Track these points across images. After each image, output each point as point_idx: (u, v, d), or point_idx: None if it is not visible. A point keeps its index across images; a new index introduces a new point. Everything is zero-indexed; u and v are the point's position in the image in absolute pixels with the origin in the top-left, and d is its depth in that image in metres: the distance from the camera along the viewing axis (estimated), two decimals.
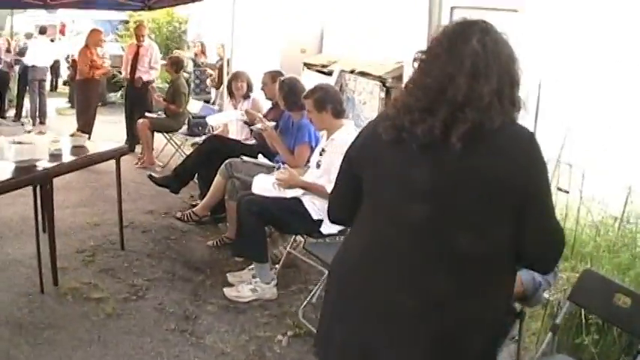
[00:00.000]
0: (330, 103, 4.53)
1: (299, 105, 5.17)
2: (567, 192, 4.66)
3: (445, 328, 1.91)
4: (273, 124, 5.65)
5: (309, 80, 8.92)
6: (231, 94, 7.27)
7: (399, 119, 1.95)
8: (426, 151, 1.89)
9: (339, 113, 4.59)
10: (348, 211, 2.17)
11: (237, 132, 6.80)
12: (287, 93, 5.41)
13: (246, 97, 7.08)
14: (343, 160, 2.22)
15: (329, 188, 4.24)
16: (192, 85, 11.77)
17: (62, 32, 16.96)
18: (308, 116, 4.84)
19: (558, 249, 2.02)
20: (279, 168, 4.65)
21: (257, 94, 7.13)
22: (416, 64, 2.02)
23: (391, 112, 2.00)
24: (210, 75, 11.63)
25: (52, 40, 15.24)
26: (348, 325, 2.02)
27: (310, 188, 4.46)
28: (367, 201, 2.08)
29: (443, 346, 1.92)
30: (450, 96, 1.87)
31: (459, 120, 1.84)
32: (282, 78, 5.64)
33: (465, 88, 1.86)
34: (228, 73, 8.95)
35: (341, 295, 2.08)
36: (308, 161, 5.04)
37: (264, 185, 4.64)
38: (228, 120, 6.85)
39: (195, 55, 12.37)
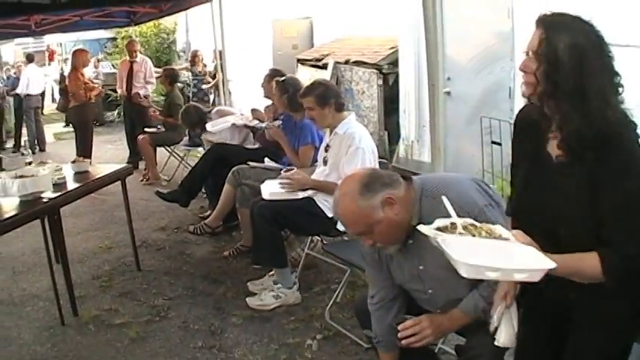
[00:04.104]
0: (333, 97, 4.43)
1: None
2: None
3: None
4: (279, 122, 5.55)
5: (305, 76, 8.88)
6: None
7: None
8: None
9: (341, 107, 4.50)
10: None
11: (235, 139, 6.65)
12: (292, 94, 5.23)
13: None
14: None
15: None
16: (191, 95, 11.65)
17: (51, 57, 16.87)
18: (309, 114, 4.68)
19: None
20: (289, 168, 4.55)
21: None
22: None
23: None
24: (209, 82, 11.45)
25: (41, 67, 15.26)
26: None
27: (322, 187, 4.38)
28: None
29: None
30: None
31: None
32: (281, 78, 5.48)
33: None
34: (222, 78, 9.01)
35: None
36: (316, 160, 4.94)
37: (273, 190, 4.54)
38: (227, 125, 6.71)
39: (192, 64, 12.28)
